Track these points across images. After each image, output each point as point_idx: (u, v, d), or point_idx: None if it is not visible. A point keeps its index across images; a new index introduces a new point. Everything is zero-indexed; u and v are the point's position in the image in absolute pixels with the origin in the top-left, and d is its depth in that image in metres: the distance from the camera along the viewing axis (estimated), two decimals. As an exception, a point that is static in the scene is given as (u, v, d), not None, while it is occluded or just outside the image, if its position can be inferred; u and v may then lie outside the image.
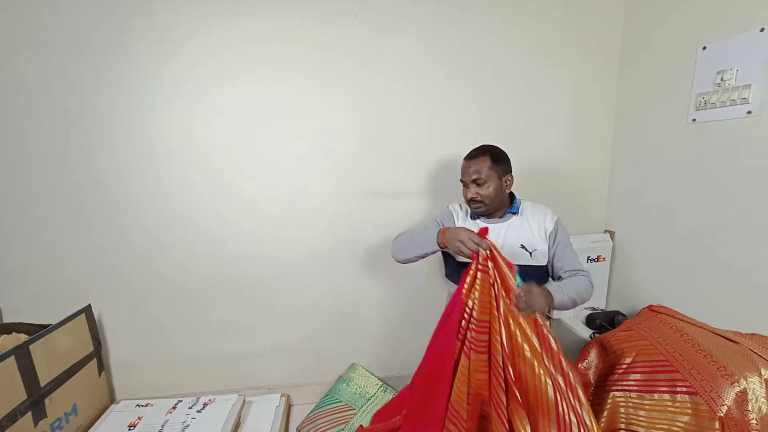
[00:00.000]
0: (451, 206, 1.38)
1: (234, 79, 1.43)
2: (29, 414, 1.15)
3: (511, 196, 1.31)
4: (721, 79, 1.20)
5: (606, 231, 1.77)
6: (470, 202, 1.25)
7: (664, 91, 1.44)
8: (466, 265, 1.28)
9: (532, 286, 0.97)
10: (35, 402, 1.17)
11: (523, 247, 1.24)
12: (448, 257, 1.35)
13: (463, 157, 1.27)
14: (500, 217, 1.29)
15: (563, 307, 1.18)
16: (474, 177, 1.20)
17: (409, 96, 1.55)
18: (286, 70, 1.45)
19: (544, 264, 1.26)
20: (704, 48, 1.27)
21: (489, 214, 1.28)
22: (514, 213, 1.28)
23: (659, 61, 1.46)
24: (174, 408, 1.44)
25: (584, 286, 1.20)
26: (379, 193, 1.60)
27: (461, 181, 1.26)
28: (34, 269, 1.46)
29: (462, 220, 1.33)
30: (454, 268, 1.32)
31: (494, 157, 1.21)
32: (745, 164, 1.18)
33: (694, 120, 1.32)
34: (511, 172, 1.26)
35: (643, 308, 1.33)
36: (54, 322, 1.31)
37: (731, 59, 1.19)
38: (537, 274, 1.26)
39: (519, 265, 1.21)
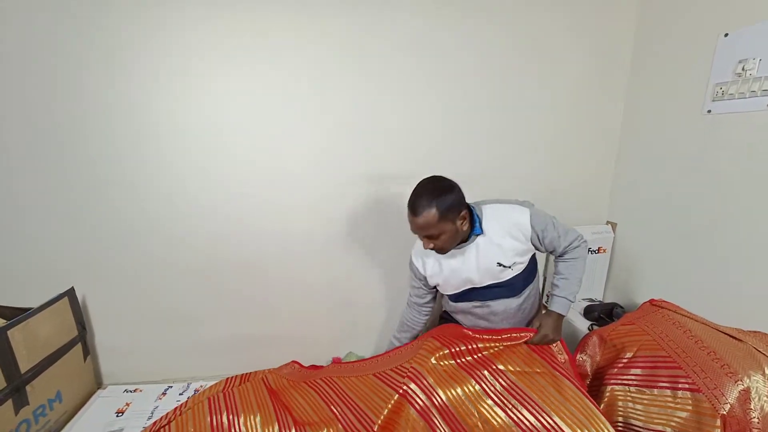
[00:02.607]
0: (414, 261, 1.28)
1: (226, 64, 1.33)
2: (9, 402, 1.10)
3: (470, 210, 1.14)
4: (742, 69, 1.15)
5: (608, 222, 1.75)
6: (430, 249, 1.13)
7: (678, 79, 1.39)
8: (455, 294, 1.27)
9: (545, 328, 1.13)
10: (15, 389, 1.12)
11: (500, 264, 1.15)
12: None
13: (409, 201, 1.08)
14: (465, 241, 1.15)
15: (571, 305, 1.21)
16: (424, 234, 1.08)
17: (408, 86, 1.46)
18: (279, 59, 1.36)
19: (526, 263, 1.22)
20: (726, 35, 1.21)
21: None
22: (478, 234, 1.14)
23: (676, 47, 1.40)
24: (164, 394, 1.40)
25: (582, 266, 1.20)
26: (377, 180, 1.54)
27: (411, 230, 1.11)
28: (14, 250, 1.38)
29: (431, 260, 1.23)
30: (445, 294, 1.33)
31: (441, 207, 1.03)
32: (761, 159, 1.14)
33: (709, 111, 1.28)
34: (463, 207, 1.09)
35: (645, 302, 1.31)
36: (35, 305, 1.24)
37: (754, 48, 1.13)
38: (523, 278, 1.23)
39: (502, 282, 1.20)
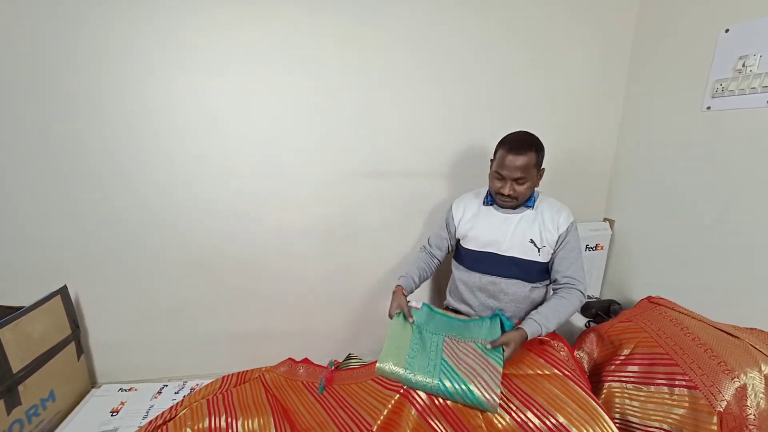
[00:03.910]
0: (454, 206, 1.33)
1: (223, 59, 1.31)
2: (1, 402, 1.08)
3: None
4: (743, 65, 1.14)
5: (605, 219, 1.74)
6: (502, 195, 1.17)
7: (678, 75, 1.38)
8: (476, 251, 1.26)
9: (513, 344, 1.02)
10: (7, 389, 1.10)
11: (532, 241, 1.19)
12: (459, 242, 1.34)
13: (504, 143, 1.15)
14: (514, 208, 1.22)
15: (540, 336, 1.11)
16: (516, 175, 1.12)
17: (408, 80, 1.45)
18: (277, 52, 1.34)
19: (548, 259, 1.23)
20: (726, 31, 1.20)
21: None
22: (529, 207, 1.21)
23: (675, 43, 1.39)
24: (159, 393, 1.39)
25: (571, 309, 1.15)
26: (376, 175, 1.52)
27: (497, 172, 1.16)
28: (4, 247, 1.35)
29: (474, 210, 1.28)
30: (464, 252, 1.31)
31: (539, 155, 1.14)
32: (761, 156, 1.14)
33: (708, 108, 1.27)
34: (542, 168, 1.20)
35: (642, 300, 1.31)
36: (27, 304, 1.22)
37: (756, 44, 1.12)
38: (542, 270, 1.24)
39: (525, 260, 1.20)
